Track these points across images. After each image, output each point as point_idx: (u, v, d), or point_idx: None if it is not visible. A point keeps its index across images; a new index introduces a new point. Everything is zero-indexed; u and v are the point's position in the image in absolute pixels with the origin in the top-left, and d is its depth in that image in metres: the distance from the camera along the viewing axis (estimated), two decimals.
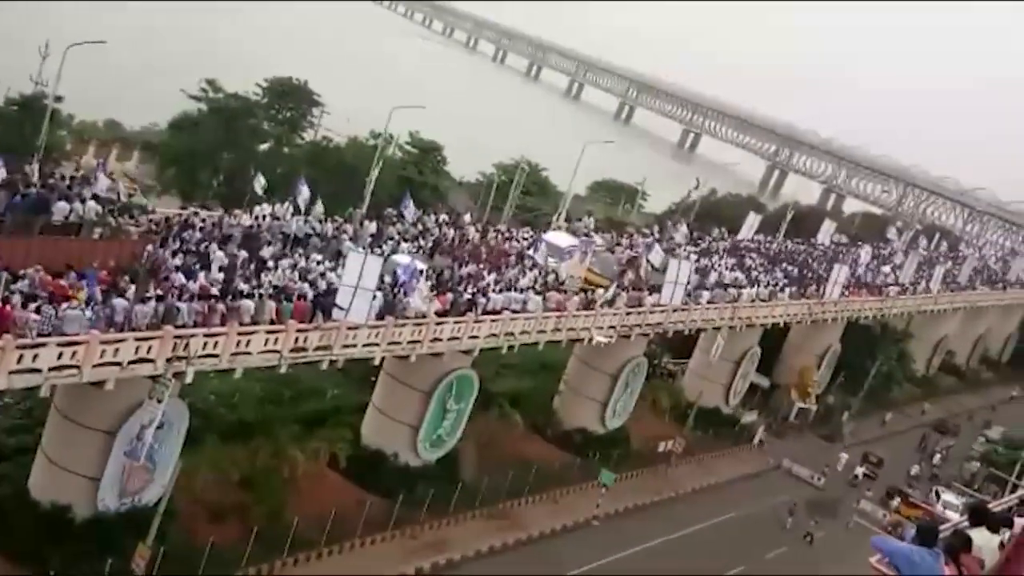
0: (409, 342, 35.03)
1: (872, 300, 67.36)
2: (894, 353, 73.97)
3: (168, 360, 26.96)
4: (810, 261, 70.79)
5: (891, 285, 70.98)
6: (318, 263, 35.03)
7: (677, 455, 51.59)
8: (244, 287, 30.57)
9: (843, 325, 66.80)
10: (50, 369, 24.80)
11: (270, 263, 33.46)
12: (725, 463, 55.27)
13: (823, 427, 65.96)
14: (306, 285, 32.64)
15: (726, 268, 58.88)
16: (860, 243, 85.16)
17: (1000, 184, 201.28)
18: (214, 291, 29.53)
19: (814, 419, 65.77)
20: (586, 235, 52.79)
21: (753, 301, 54.78)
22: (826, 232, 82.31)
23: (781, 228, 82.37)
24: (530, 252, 46.83)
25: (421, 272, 36.19)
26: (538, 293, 41.48)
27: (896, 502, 55.63)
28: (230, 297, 29.45)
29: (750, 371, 61.10)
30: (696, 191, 74.36)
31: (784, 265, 65.75)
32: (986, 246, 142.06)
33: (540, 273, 44.37)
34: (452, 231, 46.42)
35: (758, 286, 56.30)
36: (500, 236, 49.22)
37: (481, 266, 42.46)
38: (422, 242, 42.94)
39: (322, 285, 32.97)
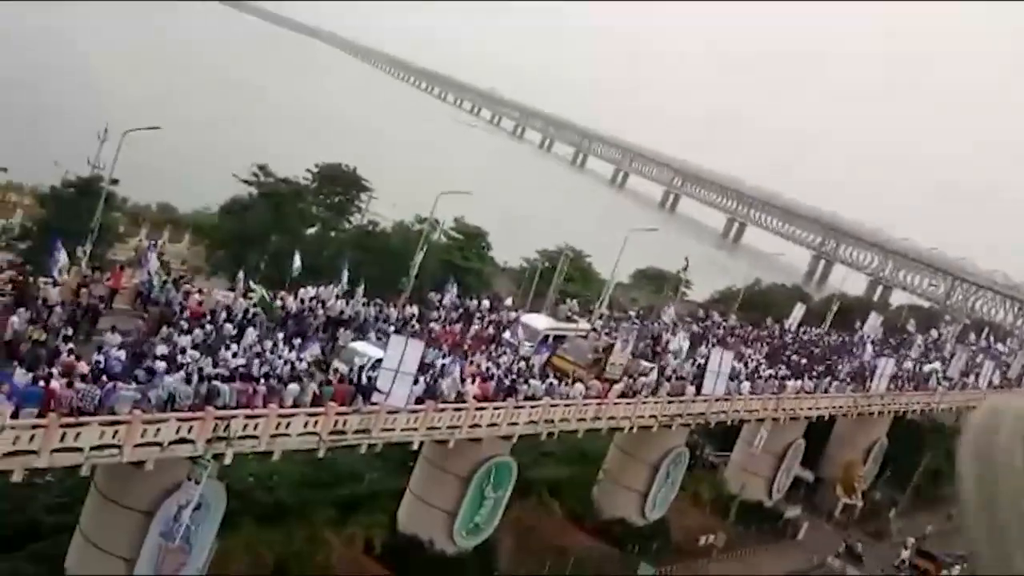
0: (448, 427, 34.95)
1: (919, 395, 66.13)
2: (942, 449, 72.26)
3: (208, 441, 27.09)
4: (826, 353, 67.78)
5: (927, 378, 68.71)
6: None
7: (718, 549, 50.53)
8: (289, 368, 30.81)
9: (890, 419, 65.55)
10: (91, 448, 25.01)
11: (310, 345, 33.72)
12: (767, 559, 53.93)
13: (869, 524, 64.26)
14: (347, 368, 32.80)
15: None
16: (905, 336, 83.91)
17: None
18: (252, 370, 29.79)
19: (860, 515, 64.15)
20: (568, 318, 50.22)
21: (798, 393, 53.99)
22: (872, 325, 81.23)
23: (827, 319, 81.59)
24: (506, 335, 44.45)
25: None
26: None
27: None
28: (274, 380, 29.67)
29: (794, 464, 59.97)
30: (684, 272, 74.40)
31: (787, 355, 62.50)
32: None
33: (514, 358, 41.26)
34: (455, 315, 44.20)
35: (756, 379, 51.83)
36: (476, 317, 45.61)
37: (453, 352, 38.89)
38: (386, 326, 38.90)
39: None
